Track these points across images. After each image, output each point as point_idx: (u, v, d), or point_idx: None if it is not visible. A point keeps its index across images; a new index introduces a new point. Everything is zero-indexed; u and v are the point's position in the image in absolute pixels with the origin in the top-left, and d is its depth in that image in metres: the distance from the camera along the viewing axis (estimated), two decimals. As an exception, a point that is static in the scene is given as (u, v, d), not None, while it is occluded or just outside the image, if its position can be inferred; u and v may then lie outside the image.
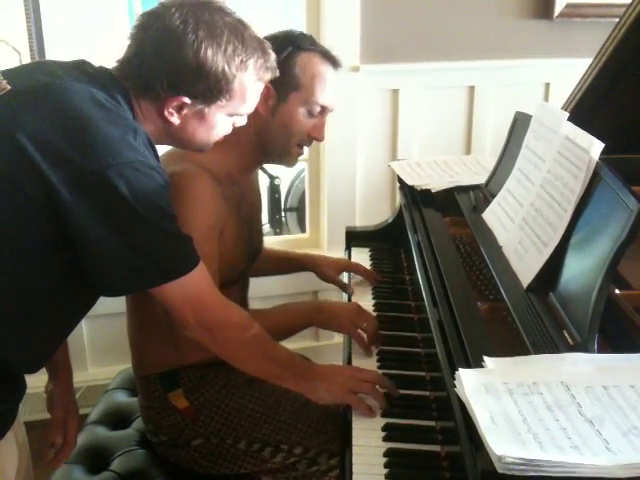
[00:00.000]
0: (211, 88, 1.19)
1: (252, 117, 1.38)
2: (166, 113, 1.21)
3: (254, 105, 1.31)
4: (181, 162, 1.38)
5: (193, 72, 1.17)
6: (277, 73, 1.30)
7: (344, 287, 1.77)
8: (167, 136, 1.27)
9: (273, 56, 1.28)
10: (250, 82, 1.24)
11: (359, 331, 1.46)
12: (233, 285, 1.51)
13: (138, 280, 1.15)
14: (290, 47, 1.45)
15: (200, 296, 1.22)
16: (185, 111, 1.21)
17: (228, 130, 1.30)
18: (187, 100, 1.19)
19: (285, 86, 1.44)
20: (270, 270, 1.84)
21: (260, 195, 1.71)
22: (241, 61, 1.21)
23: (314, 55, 1.47)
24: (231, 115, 1.27)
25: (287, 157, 1.52)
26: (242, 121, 1.32)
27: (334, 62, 1.50)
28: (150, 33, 1.18)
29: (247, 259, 1.55)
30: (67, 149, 1.05)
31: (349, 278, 1.80)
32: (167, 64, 1.17)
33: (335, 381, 1.28)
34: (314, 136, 1.51)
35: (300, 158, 2.68)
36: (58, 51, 2.21)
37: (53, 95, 1.10)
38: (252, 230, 1.56)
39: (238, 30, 1.22)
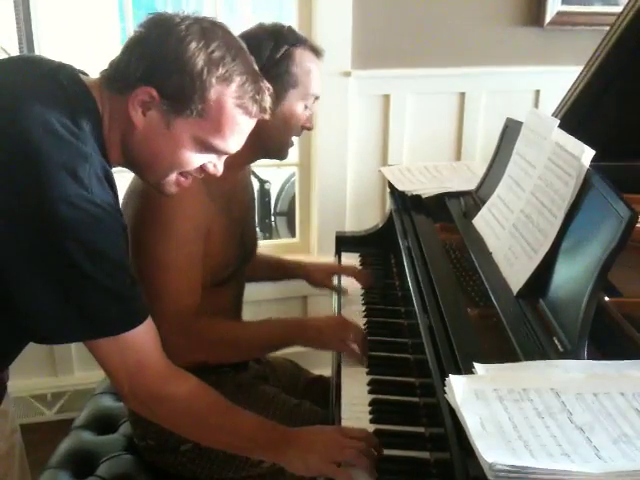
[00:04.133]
0: (184, 87, 1.06)
1: None
2: (131, 109, 1.07)
3: (232, 145, 1.14)
4: None
5: (169, 62, 1.06)
6: (267, 116, 1.18)
7: (336, 290, 1.75)
8: (129, 153, 1.13)
9: (269, 98, 1.16)
10: (230, 104, 1.09)
11: (348, 344, 1.43)
12: (225, 285, 1.50)
13: (68, 331, 1.04)
14: (285, 45, 1.44)
15: (140, 362, 1.10)
16: (151, 112, 1.08)
17: (193, 165, 1.14)
18: (155, 93, 1.06)
19: (284, 84, 1.43)
20: (260, 277, 1.83)
21: (253, 193, 1.69)
22: (226, 72, 1.08)
23: (304, 50, 1.46)
24: (202, 143, 1.11)
25: (284, 151, 1.51)
26: (215, 168, 1.18)
27: (320, 53, 1.50)
28: (145, 28, 1.11)
29: (239, 259, 1.52)
30: (6, 179, 0.97)
31: (339, 281, 1.80)
32: (147, 50, 1.08)
33: (313, 449, 1.13)
34: (307, 126, 1.51)
35: (291, 162, 2.72)
36: (48, 53, 2.20)
37: (2, 119, 1.01)
38: (244, 229, 1.54)
39: (234, 47, 1.11)
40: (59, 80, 1.07)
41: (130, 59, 1.09)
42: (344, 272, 1.80)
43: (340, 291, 1.74)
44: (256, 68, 1.16)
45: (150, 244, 1.34)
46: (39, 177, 0.96)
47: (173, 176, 1.15)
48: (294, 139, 1.54)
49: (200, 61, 1.06)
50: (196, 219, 1.36)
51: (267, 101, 1.16)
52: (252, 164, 1.64)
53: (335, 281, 1.81)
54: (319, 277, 1.78)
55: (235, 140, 1.14)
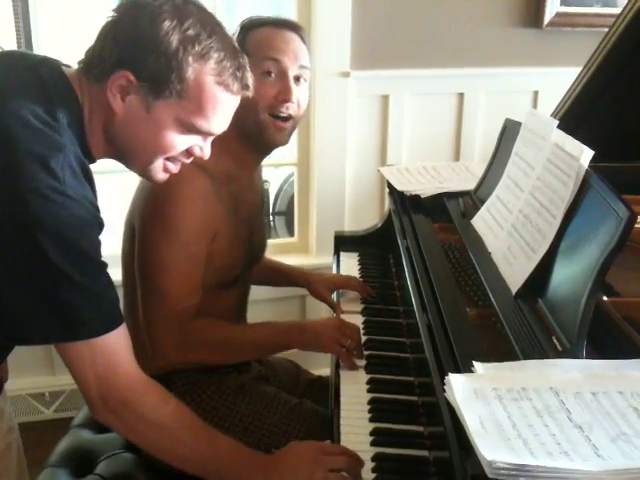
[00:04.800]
0: (160, 68, 1.03)
1: None
2: (110, 96, 1.04)
3: (216, 125, 1.11)
4: None
5: (143, 43, 1.03)
6: (250, 93, 1.16)
7: (334, 307, 1.73)
8: (112, 141, 1.10)
9: (250, 74, 1.14)
10: (209, 82, 1.06)
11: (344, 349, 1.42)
12: (231, 287, 1.50)
13: (32, 332, 1.02)
14: (239, 31, 1.42)
15: (110, 368, 1.05)
16: (130, 97, 1.05)
17: (178, 149, 1.10)
18: (132, 77, 1.03)
19: None
20: (260, 281, 1.81)
21: (263, 195, 1.67)
22: (202, 49, 1.04)
23: (262, 28, 1.41)
24: (184, 125, 1.07)
25: (266, 131, 1.41)
26: (201, 151, 1.14)
27: (285, 24, 1.42)
28: (118, 12, 1.07)
29: (246, 260, 1.51)
30: None
31: (338, 295, 1.78)
32: (120, 33, 1.05)
33: (297, 475, 1.09)
34: (282, 98, 1.39)
35: (289, 162, 2.72)
36: (46, 49, 2.20)
37: None
38: (252, 230, 1.52)
39: (209, 23, 1.07)
40: (39, 73, 1.05)
41: (104, 45, 1.06)
42: (346, 287, 1.76)
43: (337, 308, 1.70)
44: (235, 45, 1.13)
45: (153, 244, 1.35)
46: (10, 169, 0.94)
47: (159, 162, 1.12)
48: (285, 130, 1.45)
49: (174, 40, 1.03)
50: (200, 220, 1.35)
51: (248, 77, 1.12)
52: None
53: (334, 295, 1.78)
54: (320, 289, 1.75)
55: (219, 119, 1.11)
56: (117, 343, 1.06)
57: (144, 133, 1.08)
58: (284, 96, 1.40)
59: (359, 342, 1.45)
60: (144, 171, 1.14)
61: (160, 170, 1.14)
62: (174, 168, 1.15)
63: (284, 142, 1.47)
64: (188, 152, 1.13)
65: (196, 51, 1.04)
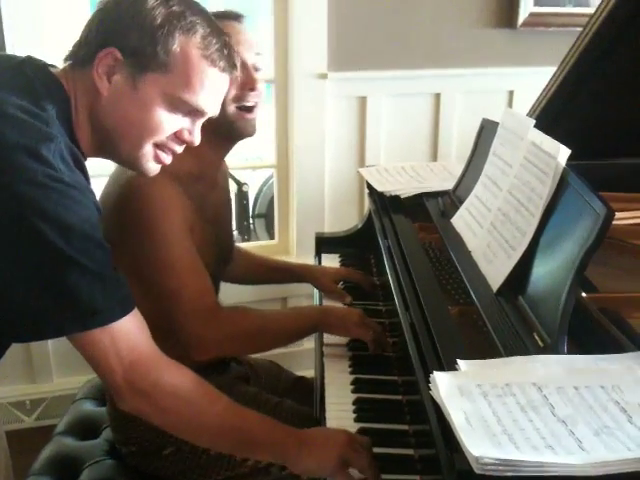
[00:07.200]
0: (145, 41, 1.04)
1: None
2: (96, 78, 1.05)
3: (204, 100, 1.10)
4: None
5: (128, 19, 1.04)
6: (237, 72, 1.18)
7: (342, 296, 1.74)
8: (99, 128, 1.09)
9: (236, 54, 1.16)
10: (195, 55, 1.07)
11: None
12: None
13: (47, 325, 0.97)
14: None
15: (133, 349, 1.04)
16: (117, 76, 1.05)
17: (166, 128, 1.09)
18: (118, 54, 1.04)
19: None
20: (260, 279, 1.82)
21: (228, 194, 1.66)
22: (188, 23, 1.06)
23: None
24: (172, 100, 1.07)
25: (236, 124, 1.42)
26: (190, 135, 1.14)
27: (230, 16, 1.43)
28: (103, 2, 1.09)
29: (216, 262, 1.51)
30: None
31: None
32: (105, 15, 1.06)
33: (326, 450, 1.09)
34: (248, 87, 1.41)
35: (268, 164, 2.72)
36: (19, 48, 2.17)
37: None
38: (219, 231, 1.52)
39: (194, 5, 1.10)
40: (24, 71, 1.05)
41: (90, 29, 1.07)
42: (350, 277, 1.79)
43: (345, 297, 1.72)
44: (219, 26, 1.14)
45: (149, 251, 1.33)
46: (1, 163, 0.92)
47: (149, 147, 1.10)
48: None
49: (160, 15, 1.05)
50: (180, 216, 1.35)
51: (235, 57, 1.14)
52: (229, 167, 1.63)
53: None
54: (326, 282, 1.77)
55: (207, 95, 1.10)
56: (135, 324, 1.05)
57: (131, 112, 1.07)
58: (250, 85, 1.42)
59: (382, 332, 1.45)
60: (134, 159, 1.12)
61: (151, 158, 1.12)
62: (166, 158, 1.14)
63: (253, 132, 1.48)
64: (177, 137, 1.13)
65: (182, 25, 1.06)
